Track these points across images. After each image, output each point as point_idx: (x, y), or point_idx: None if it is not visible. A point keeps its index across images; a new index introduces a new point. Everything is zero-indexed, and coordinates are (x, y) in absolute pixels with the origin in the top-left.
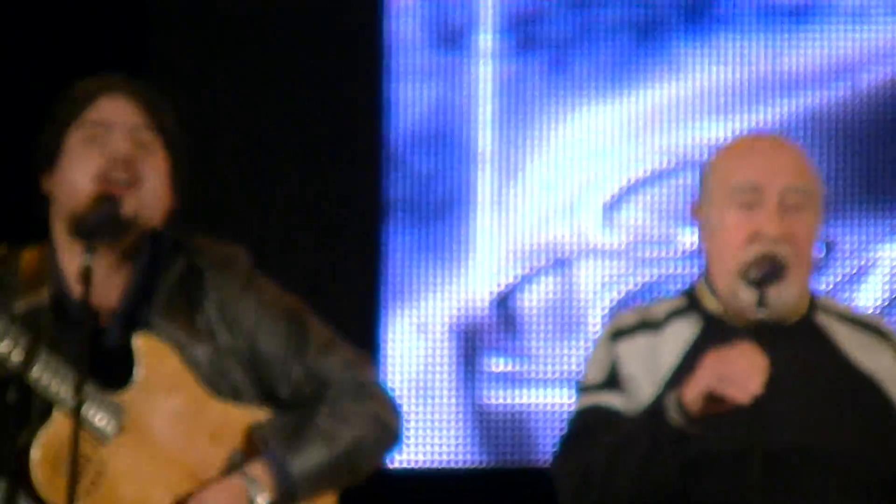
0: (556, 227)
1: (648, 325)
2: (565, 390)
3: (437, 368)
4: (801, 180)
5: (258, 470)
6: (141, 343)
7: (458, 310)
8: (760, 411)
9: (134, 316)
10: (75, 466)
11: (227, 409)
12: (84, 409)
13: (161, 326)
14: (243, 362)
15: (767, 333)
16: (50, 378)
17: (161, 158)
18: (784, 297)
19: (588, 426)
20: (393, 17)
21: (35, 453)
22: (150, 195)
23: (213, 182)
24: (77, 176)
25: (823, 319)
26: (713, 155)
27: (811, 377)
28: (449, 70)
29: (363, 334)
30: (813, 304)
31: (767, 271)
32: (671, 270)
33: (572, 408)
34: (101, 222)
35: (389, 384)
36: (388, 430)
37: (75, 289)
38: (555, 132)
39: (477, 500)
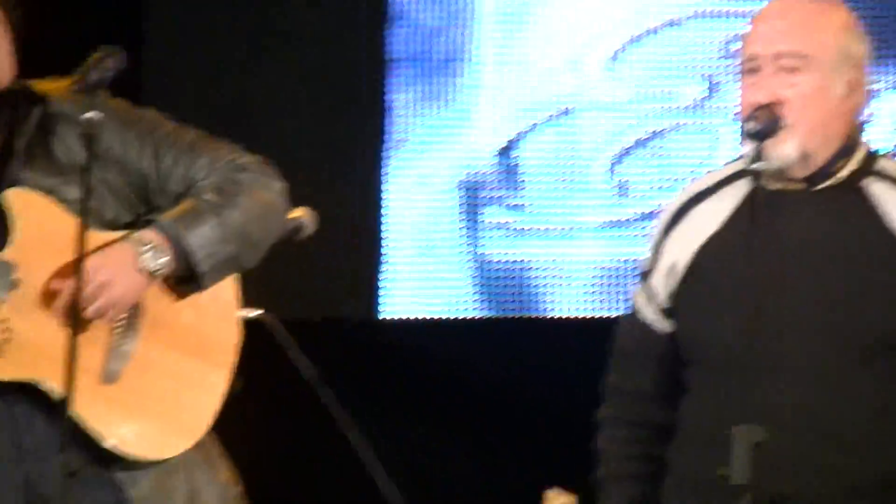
0: (559, 80)
1: (699, 196)
2: (566, 242)
3: (440, 221)
4: (794, 45)
5: (149, 234)
6: (12, 199)
7: (462, 163)
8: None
9: (1, 175)
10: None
11: (109, 236)
12: None
13: (29, 179)
14: (118, 190)
15: (804, 196)
16: None
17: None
18: (779, 152)
19: (625, 352)
20: None
21: None
22: None
23: (213, 42)
24: None
25: (872, 183)
26: None
27: (835, 239)
28: None
29: (367, 187)
30: (867, 166)
31: (759, 126)
32: (674, 123)
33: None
34: None
35: (392, 236)
36: (274, 196)
37: None
38: None
39: (477, 351)
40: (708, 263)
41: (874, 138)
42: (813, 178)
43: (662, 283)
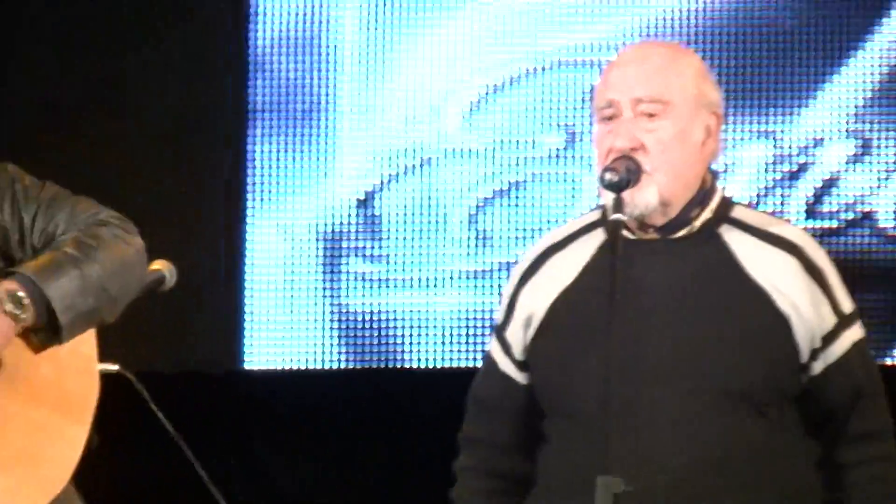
0: (418, 130)
1: (554, 247)
2: (427, 292)
3: (301, 271)
4: (653, 90)
5: (10, 285)
6: None
7: (322, 213)
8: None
9: None
10: None
11: None
12: None
13: None
14: None
15: (661, 245)
16: None
17: None
18: (637, 201)
19: (481, 402)
20: None
21: None
22: None
23: (70, 91)
24: None
25: (728, 231)
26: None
27: (692, 288)
28: None
29: (228, 237)
30: (722, 214)
31: (618, 177)
32: (533, 171)
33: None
34: None
35: (253, 286)
36: (133, 251)
37: None
38: (417, 36)
39: (337, 402)
40: (564, 314)
41: (733, 188)
42: (669, 227)
43: (518, 336)
